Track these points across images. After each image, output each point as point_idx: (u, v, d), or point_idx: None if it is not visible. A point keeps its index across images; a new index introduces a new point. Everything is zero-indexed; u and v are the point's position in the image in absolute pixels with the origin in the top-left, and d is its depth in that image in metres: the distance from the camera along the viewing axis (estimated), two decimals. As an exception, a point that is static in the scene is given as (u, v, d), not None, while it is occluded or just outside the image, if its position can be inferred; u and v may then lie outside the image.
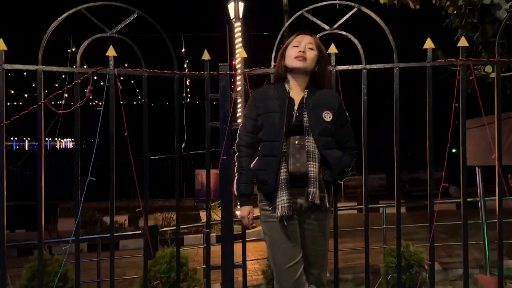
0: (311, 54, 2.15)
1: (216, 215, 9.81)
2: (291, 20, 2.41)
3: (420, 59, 2.25)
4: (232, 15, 9.67)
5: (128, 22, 2.29)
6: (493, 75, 3.28)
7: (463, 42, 2.20)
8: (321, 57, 2.19)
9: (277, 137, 2.07)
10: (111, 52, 2.25)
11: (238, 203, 2.27)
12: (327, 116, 2.11)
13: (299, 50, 2.13)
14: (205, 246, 2.46)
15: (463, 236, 2.40)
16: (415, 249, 3.81)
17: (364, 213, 2.41)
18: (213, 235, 9.01)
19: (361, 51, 2.27)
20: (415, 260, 3.75)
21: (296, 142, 2.10)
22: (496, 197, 2.40)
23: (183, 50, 11.34)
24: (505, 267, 4.63)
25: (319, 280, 2.14)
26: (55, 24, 2.19)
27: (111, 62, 2.25)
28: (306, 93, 2.18)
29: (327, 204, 2.08)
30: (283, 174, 2.04)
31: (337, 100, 2.20)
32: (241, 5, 9.57)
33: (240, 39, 9.46)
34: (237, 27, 9.57)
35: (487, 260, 4.83)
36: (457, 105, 2.25)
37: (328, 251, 2.20)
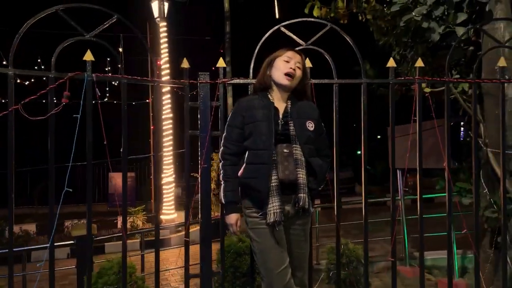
0: (298, 73, 2.28)
1: (140, 221, 9.52)
2: (268, 34, 2.50)
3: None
4: (156, 14, 9.45)
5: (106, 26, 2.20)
6: (427, 90, 3.73)
7: (419, 63, 2.49)
8: (304, 75, 2.34)
9: (267, 145, 2.16)
10: (88, 56, 2.15)
11: (225, 211, 2.30)
12: (310, 126, 2.26)
13: (290, 67, 2.24)
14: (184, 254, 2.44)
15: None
16: (353, 246, 4.15)
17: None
18: (136, 241, 8.72)
19: (333, 66, 2.45)
20: (354, 256, 4.08)
21: (284, 150, 2.19)
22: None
23: (120, 49, 10.77)
24: (426, 257, 5.23)
25: (302, 282, 2.27)
26: (27, 24, 2.03)
27: (88, 67, 2.15)
28: (289, 103, 2.30)
29: (311, 209, 2.23)
30: (274, 181, 2.13)
31: (317, 112, 2.36)
32: (166, 5, 9.40)
33: (165, 39, 9.29)
34: (162, 27, 9.38)
35: (406, 252, 5.41)
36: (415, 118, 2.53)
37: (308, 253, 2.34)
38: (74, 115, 2.07)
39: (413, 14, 3.21)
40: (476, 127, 2.63)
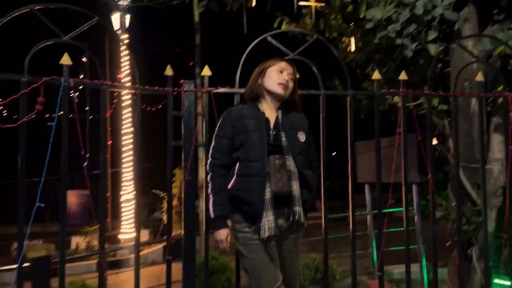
0: (291, 85, 2.25)
1: (95, 241, 9.03)
2: (254, 43, 2.44)
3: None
4: (116, 26, 9.21)
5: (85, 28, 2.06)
6: (400, 104, 3.80)
7: (403, 76, 2.51)
8: (295, 86, 2.30)
9: (260, 157, 2.08)
10: (65, 60, 1.99)
11: (213, 226, 2.16)
12: (301, 137, 2.21)
13: (284, 78, 2.21)
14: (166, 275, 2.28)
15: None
16: (330, 262, 4.11)
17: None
18: (92, 262, 8.26)
19: (319, 77, 2.43)
20: (330, 271, 4.04)
21: (276, 161, 2.11)
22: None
23: (84, 59, 10.34)
24: (392, 271, 5.29)
25: None
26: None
27: (65, 71, 1.99)
28: (280, 113, 2.24)
29: (305, 223, 2.15)
30: (267, 194, 2.04)
31: (306, 122, 2.31)
32: (128, 17, 9.21)
33: (126, 52, 9.04)
34: (124, 39, 9.13)
35: (375, 266, 5.44)
36: (400, 130, 2.54)
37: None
38: (49, 123, 1.89)
39: (388, 30, 3.27)
40: (457, 141, 2.66)
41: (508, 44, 2.92)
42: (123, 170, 9.04)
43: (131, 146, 9.31)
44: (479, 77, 2.60)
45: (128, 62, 9.11)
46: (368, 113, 5.05)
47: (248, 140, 2.10)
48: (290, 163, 2.12)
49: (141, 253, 9.30)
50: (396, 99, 3.65)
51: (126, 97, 9.34)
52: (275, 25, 5.77)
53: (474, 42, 3.46)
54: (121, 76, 8.87)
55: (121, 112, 9.02)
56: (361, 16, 3.64)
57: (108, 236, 9.43)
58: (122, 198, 9.21)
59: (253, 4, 5.22)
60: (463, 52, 3.52)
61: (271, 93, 2.23)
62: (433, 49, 3.36)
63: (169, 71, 2.26)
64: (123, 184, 9.24)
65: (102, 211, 2.17)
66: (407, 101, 3.79)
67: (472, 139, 3.65)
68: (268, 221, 2.02)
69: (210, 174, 2.15)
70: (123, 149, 9.14)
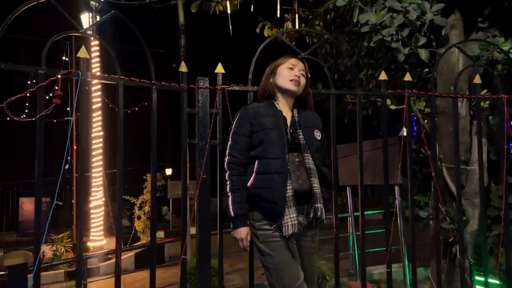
0: (302, 81, 2.25)
1: (65, 248, 8.64)
2: (266, 42, 2.44)
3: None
4: (85, 26, 8.94)
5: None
6: (392, 106, 3.91)
7: (408, 77, 2.58)
8: (307, 83, 2.31)
9: (281, 154, 2.07)
10: (83, 53, 1.91)
11: (232, 226, 2.11)
12: (317, 135, 2.22)
13: (295, 74, 2.21)
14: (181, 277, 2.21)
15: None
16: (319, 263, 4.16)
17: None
18: (60, 271, 7.90)
19: (329, 77, 2.46)
20: (319, 272, 4.08)
21: (296, 159, 2.11)
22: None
23: (64, 58, 9.90)
24: (373, 272, 5.40)
25: None
26: (15, 12, 1.75)
27: (83, 64, 1.91)
28: (296, 112, 2.25)
29: (325, 220, 2.16)
30: (289, 192, 2.04)
31: (320, 121, 2.33)
32: (98, 17, 8.98)
33: (97, 54, 8.80)
34: (93, 40, 8.89)
35: (356, 268, 5.54)
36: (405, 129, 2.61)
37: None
38: (66, 118, 1.80)
39: (383, 35, 3.36)
40: (457, 146, 2.76)
41: (501, 47, 3.07)
42: (94, 176, 8.73)
43: (100, 151, 9.03)
44: (477, 80, 2.72)
45: (98, 65, 8.87)
46: (352, 117, 5.17)
47: (267, 137, 2.09)
48: (309, 160, 2.13)
49: (111, 261, 8.98)
50: (388, 102, 3.75)
51: (96, 100, 9.06)
52: (258, 30, 5.82)
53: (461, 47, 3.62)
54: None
55: (91, 115, 8.73)
56: (354, 20, 3.72)
57: (75, 244, 9.04)
58: (92, 204, 8.88)
59: (237, 7, 5.23)
60: (450, 57, 3.70)
61: (284, 91, 2.23)
62: (423, 53, 3.49)
63: (183, 68, 2.22)
64: (92, 189, 8.93)
65: (81, 218, 2.07)
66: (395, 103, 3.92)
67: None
68: (290, 218, 2.02)
69: (228, 172, 2.11)
70: (93, 153, 8.85)
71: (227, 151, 2.15)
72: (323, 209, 2.11)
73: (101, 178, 9.03)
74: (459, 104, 3.73)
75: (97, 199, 8.98)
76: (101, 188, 9.03)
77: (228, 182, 2.10)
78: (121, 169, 2.07)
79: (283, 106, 2.24)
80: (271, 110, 2.18)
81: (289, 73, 2.21)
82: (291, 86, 2.21)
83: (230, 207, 2.08)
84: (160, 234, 10.80)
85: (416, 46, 3.52)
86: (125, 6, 4.53)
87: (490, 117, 4.00)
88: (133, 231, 9.62)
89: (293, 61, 2.26)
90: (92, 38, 8.99)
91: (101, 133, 9.05)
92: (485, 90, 3.63)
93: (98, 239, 9.01)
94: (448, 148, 3.93)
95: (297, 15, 5.58)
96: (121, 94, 2.02)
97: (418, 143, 4.48)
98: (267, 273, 2.08)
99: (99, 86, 8.87)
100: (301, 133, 2.18)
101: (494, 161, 4.01)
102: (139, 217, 9.48)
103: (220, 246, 2.27)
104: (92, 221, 8.93)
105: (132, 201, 9.57)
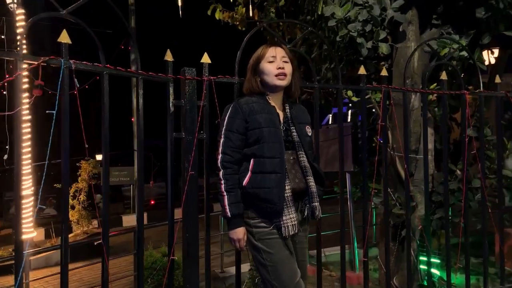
0: (288, 69, 2.13)
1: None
2: (250, 34, 2.35)
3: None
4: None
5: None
6: (354, 98, 4.01)
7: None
8: (293, 67, 2.17)
9: (278, 153, 2.00)
10: (64, 37, 1.70)
11: (228, 226, 2.02)
12: (308, 131, 2.19)
13: (278, 67, 2.09)
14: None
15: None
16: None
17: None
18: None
19: (313, 70, 2.45)
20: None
21: (291, 157, 2.07)
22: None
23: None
24: (326, 254, 5.59)
25: None
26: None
27: (65, 51, 1.70)
28: (288, 107, 2.19)
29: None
30: (288, 191, 2.00)
31: (309, 116, 2.29)
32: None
33: (21, 29, 7.98)
34: (19, 14, 8.04)
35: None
36: (383, 123, 2.69)
37: None
38: (48, 111, 1.61)
39: (350, 29, 3.42)
40: (407, 136, 2.91)
41: (462, 44, 3.27)
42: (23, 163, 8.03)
43: (29, 136, 8.31)
44: (443, 76, 2.87)
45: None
46: (307, 106, 5.24)
47: (263, 135, 2.01)
48: (303, 158, 2.10)
49: (44, 254, 8.42)
50: (349, 93, 3.84)
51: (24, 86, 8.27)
52: (209, 12, 5.65)
53: (416, 43, 3.81)
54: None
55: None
56: (319, 12, 3.74)
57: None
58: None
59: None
60: (407, 51, 3.87)
61: (272, 88, 2.14)
62: (384, 47, 3.61)
63: (169, 56, 2.08)
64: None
65: (18, 212, 1.91)
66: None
67: (410, 131, 4.02)
68: (290, 219, 1.98)
69: (222, 171, 2.00)
70: (23, 138, 8.12)
71: (220, 149, 2.03)
72: (319, 206, 2.10)
73: (29, 166, 8.34)
74: (413, 96, 3.94)
75: (26, 188, 8.30)
76: (30, 176, 8.35)
77: (222, 181, 1.99)
78: (107, 156, 1.91)
79: (275, 100, 2.16)
80: (266, 106, 2.09)
81: (272, 68, 2.09)
82: (278, 82, 2.10)
83: (227, 207, 1.98)
84: (94, 222, 10.31)
85: (377, 40, 3.63)
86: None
87: (436, 109, 4.27)
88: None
89: (270, 51, 2.12)
90: (17, 12, 8.16)
91: (29, 116, 8.33)
92: (435, 84, 3.86)
93: (28, 231, 8.37)
94: (401, 137, 4.14)
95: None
96: (106, 85, 1.84)
97: (369, 132, 4.68)
98: (263, 271, 2.03)
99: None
100: (294, 130, 2.13)
101: (440, 150, 4.31)
102: (73, 207, 8.95)
103: (207, 232, 2.20)
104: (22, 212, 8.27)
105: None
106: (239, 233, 2.01)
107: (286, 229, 1.98)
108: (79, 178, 8.94)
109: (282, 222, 1.98)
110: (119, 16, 2.00)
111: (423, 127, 3.00)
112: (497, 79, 3.03)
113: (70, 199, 8.96)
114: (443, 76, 2.87)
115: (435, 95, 4.06)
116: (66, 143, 1.73)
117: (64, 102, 1.69)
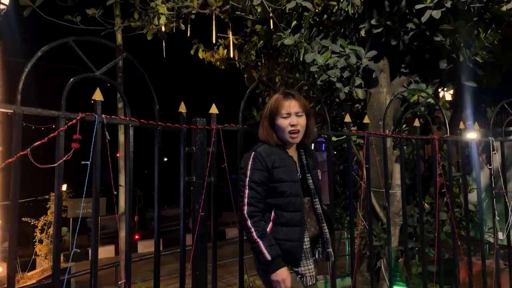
0: (302, 123, 2.19)
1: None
2: (252, 87, 2.62)
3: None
4: None
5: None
6: (334, 138, 4.32)
7: (366, 119, 2.96)
8: (308, 118, 2.23)
9: (298, 207, 2.09)
10: (98, 95, 1.89)
11: (269, 270, 2.03)
12: (319, 175, 2.32)
13: (292, 124, 2.15)
14: None
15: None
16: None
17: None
18: None
19: (327, 118, 2.72)
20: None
21: (307, 206, 2.17)
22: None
23: None
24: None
25: None
26: (37, 55, 1.69)
27: (99, 107, 1.89)
28: (303, 153, 2.29)
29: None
30: (306, 243, 2.12)
31: (317, 158, 2.40)
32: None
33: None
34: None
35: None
36: (367, 166, 2.99)
37: None
38: (83, 162, 1.79)
39: (329, 75, 3.77)
40: (386, 174, 3.22)
41: (428, 93, 3.68)
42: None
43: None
44: (416, 123, 3.23)
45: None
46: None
47: (284, 190, 2.08)
48: (318, 206, 2.20)
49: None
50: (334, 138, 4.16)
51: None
52: (192, 52, 5.92)
53: (387, 90, 4.21)
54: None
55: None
56: (301, 59, 4.08)
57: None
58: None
59: (173, 30, 5.27)
60: (380, 96, 4.26)
61: (286, 142, 2.21)
62: (360, 92, 3.98)
63: (182, 108, 2.29)
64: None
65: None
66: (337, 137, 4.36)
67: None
68: (309, 270, 2.09)
69: (250, 220, 2.05)
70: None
71: (245, 200, 2.08)
72: (332, 252, 2.23)
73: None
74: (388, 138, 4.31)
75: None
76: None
77: (253, 229, 2.04)
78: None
79: (292, 151, 2.26)
80: (284, 158, 2.16)
81: (286, 124, 2.16)
82: (291, 139, 2.18)
83: (265, 251, 2.00)
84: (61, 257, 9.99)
85: (354, 86, 4.00)
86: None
87: (405, 147, 4.67)
88: (33, 256, 8.82)
89: (286, 105, 2.17)
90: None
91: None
92: (404, 125, 4.26)
93: (-6, 266, 8.08)
94: (374, 174, 4.48)
95: (231, 41, 5.82)
96: (131, 135, 2.03)
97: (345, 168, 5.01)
98: None
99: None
100: (310, 177, 2.22)
101: (409, 185, 4.68)
102: (40, 241, 8.71)
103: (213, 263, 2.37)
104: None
105: (32, 223, 8.78)
106: (283, 273, 2.02)
107: (305, 279, 2.09)
108: (48, 211, 8.74)
109: (300, 271, 2.10)
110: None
111: (400, 166, 3.32)
112: (461, 125, 3.42)
113: (38, 233, 8.73)
114: (416, 123, 3.22)
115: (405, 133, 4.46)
116: (96, 192, 1.89)
117: (96, 153, 1.86)
